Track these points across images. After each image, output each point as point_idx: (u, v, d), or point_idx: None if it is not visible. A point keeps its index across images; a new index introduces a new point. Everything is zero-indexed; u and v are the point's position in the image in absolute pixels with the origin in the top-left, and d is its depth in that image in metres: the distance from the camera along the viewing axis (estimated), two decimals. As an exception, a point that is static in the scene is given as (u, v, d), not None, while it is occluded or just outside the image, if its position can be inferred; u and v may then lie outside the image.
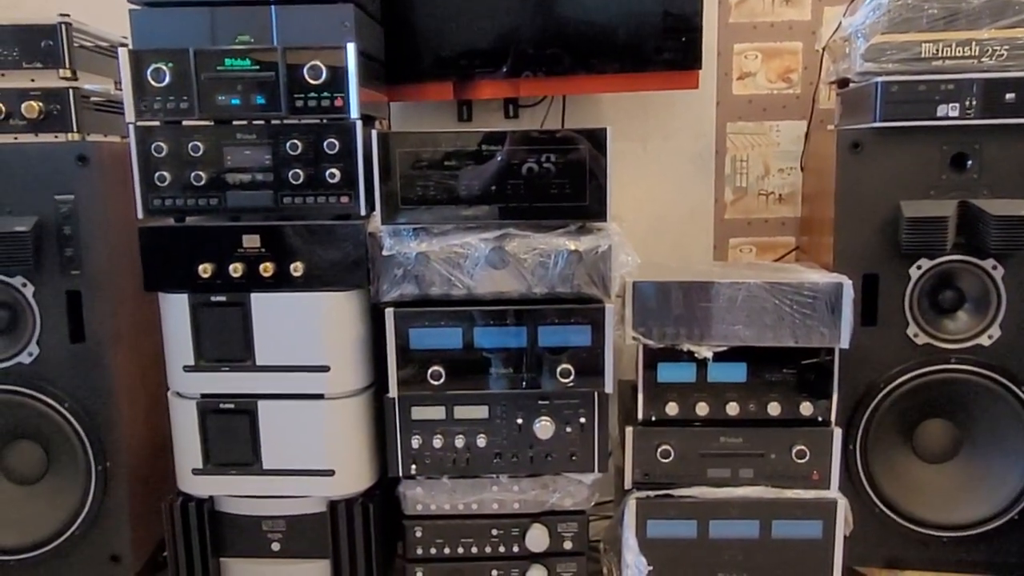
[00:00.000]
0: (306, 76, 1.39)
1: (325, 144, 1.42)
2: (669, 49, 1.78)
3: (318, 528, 1.52)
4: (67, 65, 1.53)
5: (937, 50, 1.48)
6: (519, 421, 1.49)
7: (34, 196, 1.51)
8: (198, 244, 1.44)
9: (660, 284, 1.48)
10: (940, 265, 1.54)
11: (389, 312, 1.45)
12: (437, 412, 1.49)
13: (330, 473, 1.50)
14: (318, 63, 1.39)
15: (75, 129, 1.54)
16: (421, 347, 1.46)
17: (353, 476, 1.52)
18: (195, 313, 1.46)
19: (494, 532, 1.54)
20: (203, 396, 1.49)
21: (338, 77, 1.40)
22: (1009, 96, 1.47)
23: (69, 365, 1.57)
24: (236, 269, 1.44)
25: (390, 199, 1.43)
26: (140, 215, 1.45)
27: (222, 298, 1.46)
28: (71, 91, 1.53)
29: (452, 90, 1.82)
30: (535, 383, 1.47)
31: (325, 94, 1.40)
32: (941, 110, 1.49)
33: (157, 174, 1.43)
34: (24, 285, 1.54)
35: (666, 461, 1.52)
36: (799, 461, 1.50)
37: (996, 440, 1.58)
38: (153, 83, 1.40)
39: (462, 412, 1.49)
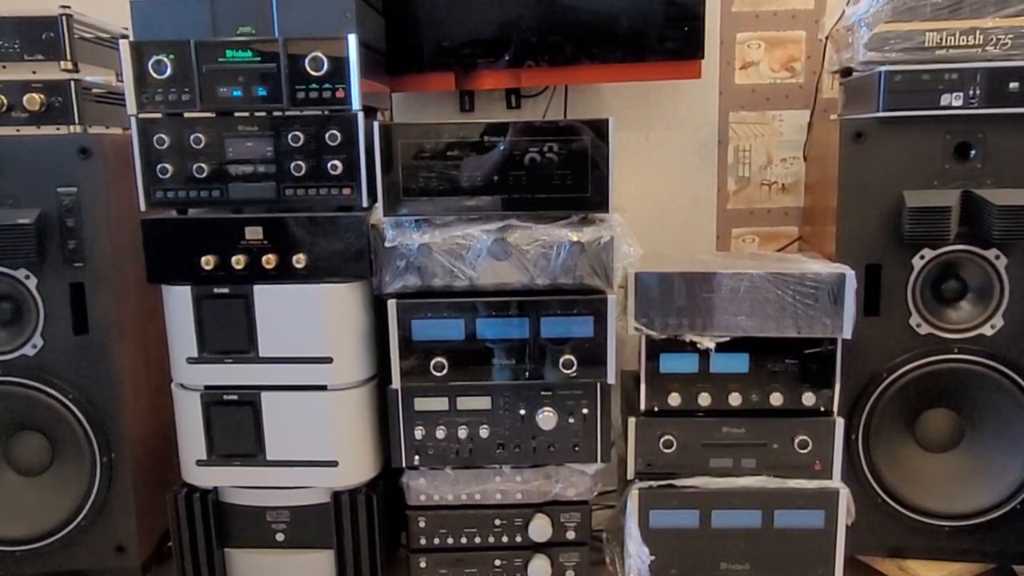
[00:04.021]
0: (307, 67, 1.39)
1: (327, 136, 1.42)
2: (672, 38, 1.77)
3: (322, 519, 1.53)
4: (68, 57, 1.53)
5: (941, 39, 1.48)
6: (522, 412, 1.49)
7: (37, 188, 1.52)
8: (201, 236, 1.44)
9: (662, 275, 1.48)
10: (943, 255, 1.54)
11: (392, 303, 1.45)
12: (440, 403, 1.50)
13: (334, 464, 1.50)
14: (319, 54, 1.39)
15: (77, 121, 1.54)
16: (424, 338, 1.46)
17: (356, 467, 1.53)
18: (198, 305, 1.46)
19: (497, 522, 1.54)
20: (207, 388, 1.49)
21: (339, 68, 1.39)
22: (1013, 85, 1.47)
23: (73, 357, 1.57)
24: (239, 261, 1.44)
25: (392, 190, 1.43)
26: (142, 207, 1.45)
27: (225, 290, 1.46)
28: (72, 83, 1.53)
29: (454, 80, 1.81)
30: (538, 374, 1.47)
31: (326, 85, 1.40)
32: (944, 99, 1.49)
33: (159, 166, 1.43)
34: (27, 277, 1.55)
35: (668, 451, 1.53)
36: (801, 451, 1.51)
37: (998, 430, 1.58)
38: (154, 75, 1.40)
39: (465, 403, 1.49)
